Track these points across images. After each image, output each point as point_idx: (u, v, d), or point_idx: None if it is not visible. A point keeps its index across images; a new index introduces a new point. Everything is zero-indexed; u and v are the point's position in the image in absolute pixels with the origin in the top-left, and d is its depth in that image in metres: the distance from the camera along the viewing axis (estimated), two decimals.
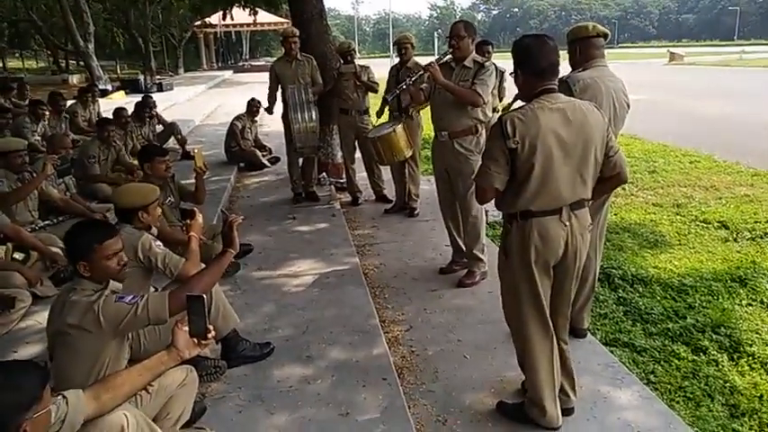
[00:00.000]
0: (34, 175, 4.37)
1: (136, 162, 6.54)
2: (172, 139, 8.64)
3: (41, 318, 2.29)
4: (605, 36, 3.06)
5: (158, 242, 2.87)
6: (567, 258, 2.43)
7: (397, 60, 5.83)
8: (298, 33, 5.92)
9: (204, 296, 1.97)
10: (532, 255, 2.37)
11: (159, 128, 8.76)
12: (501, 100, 6.19)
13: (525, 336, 2.54)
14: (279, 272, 4.39)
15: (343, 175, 7.10)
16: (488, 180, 2.32)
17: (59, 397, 1.69)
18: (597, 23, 3.16)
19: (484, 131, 4.07)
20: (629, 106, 3.08)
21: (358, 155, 6.40)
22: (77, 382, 1.96)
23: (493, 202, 2.48)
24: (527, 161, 2.25)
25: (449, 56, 3.98)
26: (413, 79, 4.26)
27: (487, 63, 3.96)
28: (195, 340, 1.95)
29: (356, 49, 6.46)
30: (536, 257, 2.38)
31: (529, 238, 2.35)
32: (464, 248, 4.34)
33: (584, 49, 3.02)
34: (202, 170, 4.29)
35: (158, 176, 3.99)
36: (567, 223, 2.37)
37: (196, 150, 4.45)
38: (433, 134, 4.24)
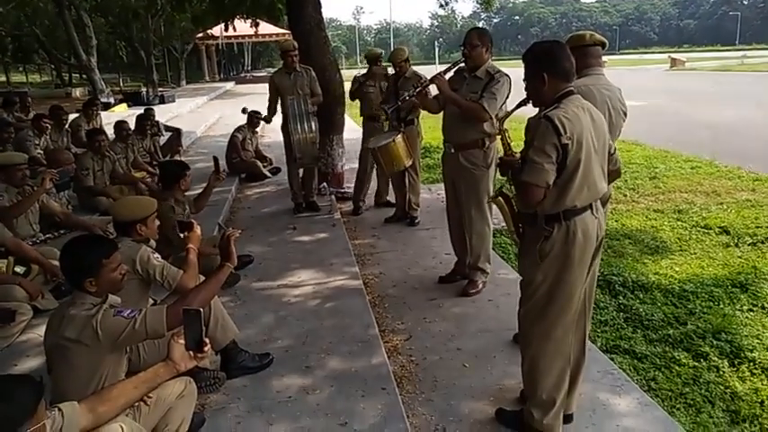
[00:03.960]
0: (35, 188, 4.40)
1: (137, 174, 6.64)
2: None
3: (42, 331, 2.31)
4: (603, 45, 3.07)
5: (156, 254, 2.88)
6: (597, 250, 2.47)
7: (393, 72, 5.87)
8: (297, 47, 5.97)
9: (201, 310, 1.97)
10: (576, 253, 2.36)
11: (163, 139, 8.83)
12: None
13: (547, 337, 2.49)
14: (279, 282, 4.40)
15: (344, 185, 7.14)
16: (543, 176, 2.26)
17: (55, 410, 1.70)
18: (597, 31, 3.18)
19: (492, 144, 3.98)
20: (625, 114, 3.08)
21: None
22: (75, 395, 1.97)
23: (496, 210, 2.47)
24: (575, 157, 2.27)
25: (461, 64, 3.89)
26: (415, 91, 4.14)
27: (498, 75, 3.79)
28: (191, 353, 1.96)
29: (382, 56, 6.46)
30: (580, 256, 2.38)
31: (574, 237, 2.35)
32: (469, 259, 4.31)
33: (581, 57, 3.01)
34: (223, 177, 4.59)
35: (185, 191, 4.17)
36: (597, 215, 2.42)
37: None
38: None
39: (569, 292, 2.42)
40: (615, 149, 2.62)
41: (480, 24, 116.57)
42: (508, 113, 2.83)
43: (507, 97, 3.89)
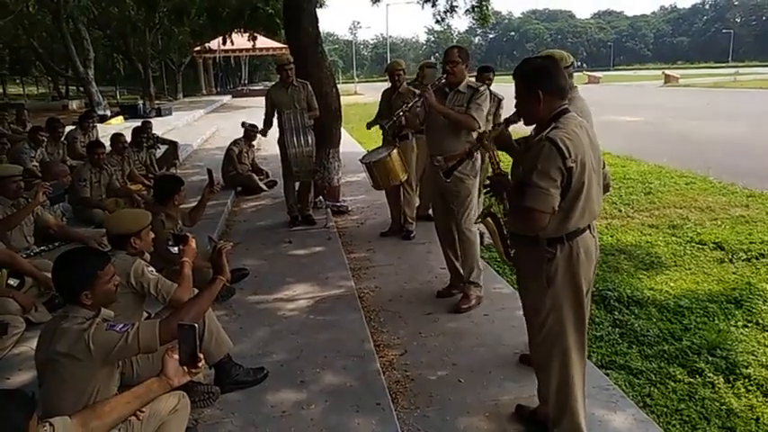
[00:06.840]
0: (29, 201, 4.39)
1: (132, 187, 6.64)
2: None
3: (35, 344, 2.30)
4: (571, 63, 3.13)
5: (151, 267, 2.87)
6: (595, 268, 2.45)
7: (389, 85, 5.91)
8: (292, 61, 6.02)
9: (196, 325, 1.96)
10: (581, 275, 2.33)
11: (159, 152, 8.83)
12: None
13: (567, 363, 2.44)
14: (274, 296, 4.39)
15: (340, 199, 7.15)
16: (549, 202, 2.17)
17: (46, 425, 1.69)
18: (565, 49, 3.25)
19: (478, 155, 4.05)
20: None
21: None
22: (67, 409, 1.95)
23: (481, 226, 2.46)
24: (579, 179, 2.20)
25: (443, 81, 3.99)
26: (409, 106, 4.24)
27: (482, 88, 3.99)
28: (185, 368, 1.95)
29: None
30: (585, 276, 2.35)
31: (577, 258, 2.30)
32: (462, 273, 4.31)
33: None
34: (217, 190, 4.58)
35: (179, 205, 4.16)
36: (594, 234, 2.40)
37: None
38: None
39: (582, 314, 2.39)
40: (605, 164, 2.62)
41: (476, 40, 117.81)
42: (498, 132, 2.76)
43: (490, 111, 4.05)
